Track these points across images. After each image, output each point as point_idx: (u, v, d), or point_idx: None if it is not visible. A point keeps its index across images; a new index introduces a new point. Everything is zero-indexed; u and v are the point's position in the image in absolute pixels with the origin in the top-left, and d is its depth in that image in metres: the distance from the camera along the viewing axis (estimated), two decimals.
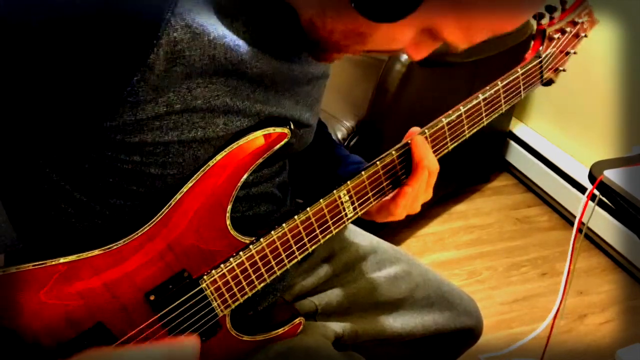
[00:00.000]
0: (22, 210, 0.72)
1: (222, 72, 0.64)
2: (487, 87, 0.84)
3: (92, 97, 0.58)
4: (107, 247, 0.65)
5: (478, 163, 2.32)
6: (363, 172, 0.77)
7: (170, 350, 0.66)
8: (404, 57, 1.66)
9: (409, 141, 0.79)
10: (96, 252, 0.65)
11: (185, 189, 0.67)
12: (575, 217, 2.07)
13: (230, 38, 0.63)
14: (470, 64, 1.85)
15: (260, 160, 0.69)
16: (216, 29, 0.62)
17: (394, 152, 0.79)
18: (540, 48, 0.88)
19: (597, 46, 1.94)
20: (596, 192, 1.13)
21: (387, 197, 0.83)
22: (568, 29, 0.91)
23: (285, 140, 0.71)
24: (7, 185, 0.71)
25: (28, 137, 0.63)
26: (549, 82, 0.94)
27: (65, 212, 0.68)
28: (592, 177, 1.11)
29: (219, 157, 0.67)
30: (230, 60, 0.63)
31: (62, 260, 0.64)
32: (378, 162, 0.78)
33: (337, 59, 0.70)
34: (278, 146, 0.70)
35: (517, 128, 2.36)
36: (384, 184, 0.80)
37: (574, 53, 0.94)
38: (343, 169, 0.91)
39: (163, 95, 0.60)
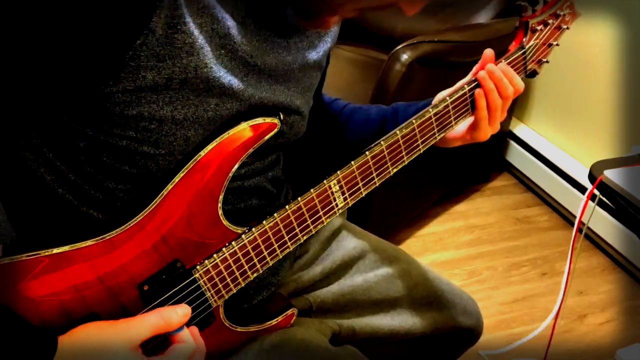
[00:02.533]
0: (18, 200, 0.73)
1: (216, 46, 0.65)
2: (472, 78, 0.86)
3: (95, 59, 0.59)
4: (100, 237, 0.66)
5: (478, 163, 2.32)
6: (353, 162, 0.77)
7: (160, 313, 0.67)
8: (404, 56, 1.66)
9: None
10: (89, 242, 0.65)
11: (176, 178, 0.67)
12: (575, 217, 2.07)
13: (219, 9, 0.64)
14: (471, 64, 1.85)
15: (251, 150, 0.70)
16: None
17: (382, 142, 0.79)
18: (524, 39, 0.90)
19: (597, 46, 1.94)
20: (596, 192, 1.13)
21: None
22: (550, 21, 0.92)
23: (276, 130, 0.71)
24: (3, 175, 0.71)
25: (26, 111, 0.64)
26: (532, 74, 0.96)
27: (63, 197, 0.69)
28: (592, 177, 1.11)
29: (209, 147, 0.68)
30: (217, 32, 0.64)
31: (55, 250, 0.64)
32: (367, 153, 0.78)
33: (332, 23, 0.71)
34: (268, 136, 0.71)
35: (517, 128, 2.36)
36: (374, 174, 0.80)
37: (557, 45, 0.96)
38: (400, 117, 0.93)
39: (166, 67, 0.61)
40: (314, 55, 0.79)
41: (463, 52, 1.80)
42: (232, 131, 0.68)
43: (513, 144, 2.37)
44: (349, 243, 1.04)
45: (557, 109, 2.23)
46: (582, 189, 2.08)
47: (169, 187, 0.67)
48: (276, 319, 0.85)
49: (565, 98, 2.16)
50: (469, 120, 0.88)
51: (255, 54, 0.69)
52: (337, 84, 1.90)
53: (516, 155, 2.38)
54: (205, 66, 0.64)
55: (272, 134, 0.71)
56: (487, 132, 0.89)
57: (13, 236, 0.74)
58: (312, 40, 0.79)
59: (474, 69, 0.87)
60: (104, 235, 0.66)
